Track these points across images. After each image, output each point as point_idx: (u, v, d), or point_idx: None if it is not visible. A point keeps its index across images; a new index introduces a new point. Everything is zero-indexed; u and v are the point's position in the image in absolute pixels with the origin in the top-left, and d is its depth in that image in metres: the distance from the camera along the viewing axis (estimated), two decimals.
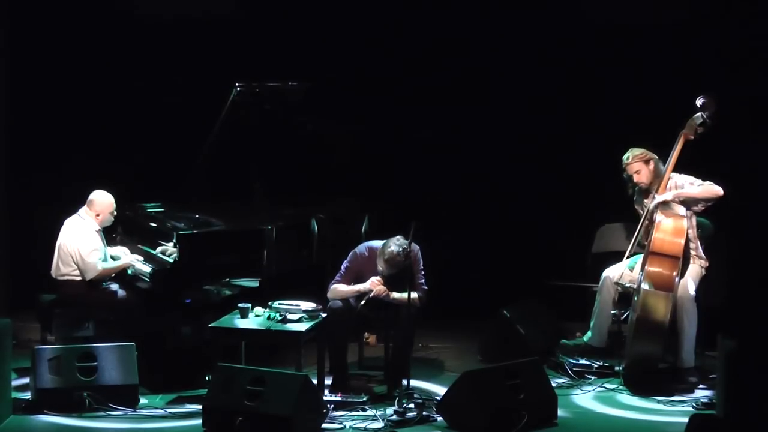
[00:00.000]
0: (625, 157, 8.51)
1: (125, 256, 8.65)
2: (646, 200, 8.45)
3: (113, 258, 8.63)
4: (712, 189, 8.28)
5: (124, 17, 10.30)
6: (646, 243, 8.25)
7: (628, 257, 8.46)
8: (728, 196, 8.33)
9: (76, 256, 8.38)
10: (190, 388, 8.00)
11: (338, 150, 9.13)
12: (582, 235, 9.51)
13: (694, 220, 8.37)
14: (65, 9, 10.18)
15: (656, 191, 8.34)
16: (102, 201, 8.54)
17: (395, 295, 8.07)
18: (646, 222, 8.37)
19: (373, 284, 8.03)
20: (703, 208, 8.35)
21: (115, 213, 8.62)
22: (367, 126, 9.31)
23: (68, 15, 10.19)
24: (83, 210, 8.55)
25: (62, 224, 8.57)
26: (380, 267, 8.01)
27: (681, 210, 8.25)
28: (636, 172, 8.47)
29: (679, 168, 8.42)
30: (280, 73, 9.00)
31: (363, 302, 8.03)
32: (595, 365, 8.42)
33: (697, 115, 8.35)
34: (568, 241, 9.69)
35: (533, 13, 10.13)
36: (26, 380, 7.92)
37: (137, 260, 8.63)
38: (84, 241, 8.41)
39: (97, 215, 8.52)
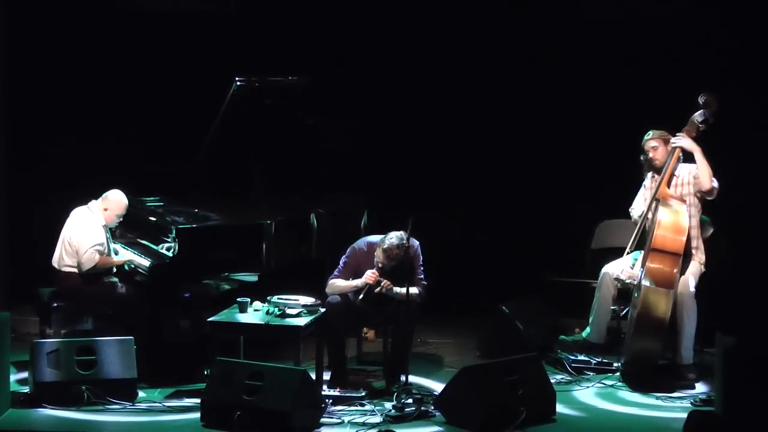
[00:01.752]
0: (645, 135, 8.46)
1: (123, 252, 8.64)
2: (654, 178, 8.39)
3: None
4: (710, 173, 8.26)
5: (124, 10, 10.30)
6: (648, 237, 8.22)
7: (628, 253, 8.46)
8: (727, 193, 8.34)
9: (76, 247, 8.36)
10: (188, 383, 7.99)
11: (338, 145, 9.12)
12: (581, 231, 9.52)
13: (694, 220, 8.34)
14: (67, 2, 10.19)
15: (659, 187, 8.30)
16: (115, 199, 8.53)
17: (395, 290, 8.06)
18: (648, 219, 8.36)
19: (369, 278, 8.01)
20: (707, 193, 8.28)
21: (122, 217, 8.61)
22: (366, 121, 9.31)
23: (70, 9, 10.19)
24: (93, 203, 8.53)
25: (68, 214, 8.54)
26: (379, 258, 8.01)
27: (683, 208, 8.23)
28: (653, 147, 8.41)
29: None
30: (281, 67, 8.99)
31: (360, 296, 8.02)
32: (594, 361, 8.41)
33: (698, 112, 8.34)
34: (568, 237, 9.69)
35: (531, 10, 10.12)
36: (25, 374, 7.92)
37: (135, 255, 8.62)
38: (87, 233, 8.39)
39: (105, 209, 8.50)
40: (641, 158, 8.53)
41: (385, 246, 7.96)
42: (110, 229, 8.61)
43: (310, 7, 10.24)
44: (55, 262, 8.47)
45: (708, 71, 9.36)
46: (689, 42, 9.68)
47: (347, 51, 10.19)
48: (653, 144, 8.44)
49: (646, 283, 8.00)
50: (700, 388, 8.08)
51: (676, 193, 8.34)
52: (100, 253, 8.41)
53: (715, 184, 8.24)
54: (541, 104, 10.13)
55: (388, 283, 8.03)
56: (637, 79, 9.83)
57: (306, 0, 10.29)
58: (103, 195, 8.56)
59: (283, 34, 10.21)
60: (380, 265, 8.02)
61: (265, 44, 10.13)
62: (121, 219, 8.62)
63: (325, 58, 10.04)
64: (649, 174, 8.52)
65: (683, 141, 8.31)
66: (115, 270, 8.60)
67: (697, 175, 8.25)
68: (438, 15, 10.21)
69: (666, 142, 8.42)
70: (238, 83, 8.50)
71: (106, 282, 8.49)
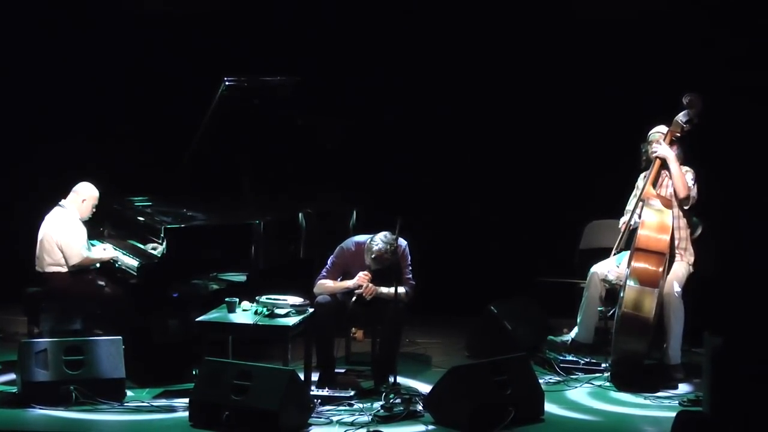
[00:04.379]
0: (656, 128, 8.45)
1: (109, 250, 8.64)
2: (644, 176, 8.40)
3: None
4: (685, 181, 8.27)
5: (115, 10, 10.30)
6: (633, 237, 8.24)
7: (615, 253, 8.47)
8: (715, 194, 8.38)
9: (60, 243, 8.36)
10: (177, 383, 7.99)
11: (327, 145, 9.13)
12: (570, 231, 9.53)
13: (682, 221, 8.35)
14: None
15: (644, 187, 8.32)
16: (89, 190, 8.56)
17: (383, 290, 8.06)
18: (634, 220, 8.37)
19: (361, 279, 8.02)
20: (683, 201, 8.30)
21: (95, 208, 8.60)
22: (355, 120, 9.31)
23: (59, 7, 10.18)
24: (66, 201, 8.53)
25: (43, 219, 8.54)
26: (368, 263, 8.02)
27: (666, 208, 8.25)
28: (656, 141, 8.41)
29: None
30: (270, 67, 8.99)
31: (354, 299, 8.02)
32: (582, 361, 8.43)
33: (682, 112, 8.35)
34: (556, 237, 9.71)
35: (523, 9, 10.13)
36: (13, 374, 7.91)
37: (122, 254, 8.62)
38: (67, 229, 8.40)
39: (83, 201, 8.51)
40: (642, 149, 8.51)
41: (374, 250, 7.95)
42: (99, 228, 8.63)
43: (300, 5, 10.25)
44: (38, 266, 8.46)
45: (693, 70, 9.38)
46: (676, 41, 9.69)
47: (335, 50, 10.19)
48: (658, 137, 8.40)
49: (630, 282, 8.01)
50: (688, 388, 8.10)
51: (664, 194, 8.36)
52: (87, 249, 8.43)
53: (693, 192, 8.25)
54: (530, 105, 10.14)
55: (371, 288, 8.02)
56: (627, 80, 9.84)
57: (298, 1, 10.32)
58: (74, 189, 8.56)
59: (272, 33, 10.21)
60: (368, 265, 8.03)
61: (254, 44, 10.13)
62: (95, 210, 8.61)
63: (314, 57, 10.04)
64: (642, 175, 8.53)
65: (660, 151, 8.31)
66: (98, 266, 8.58)
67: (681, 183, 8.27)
68: (428, 13, 10.21)
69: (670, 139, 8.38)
70: (228, 83, 8.50)
71: (94, 282, 8.48)
